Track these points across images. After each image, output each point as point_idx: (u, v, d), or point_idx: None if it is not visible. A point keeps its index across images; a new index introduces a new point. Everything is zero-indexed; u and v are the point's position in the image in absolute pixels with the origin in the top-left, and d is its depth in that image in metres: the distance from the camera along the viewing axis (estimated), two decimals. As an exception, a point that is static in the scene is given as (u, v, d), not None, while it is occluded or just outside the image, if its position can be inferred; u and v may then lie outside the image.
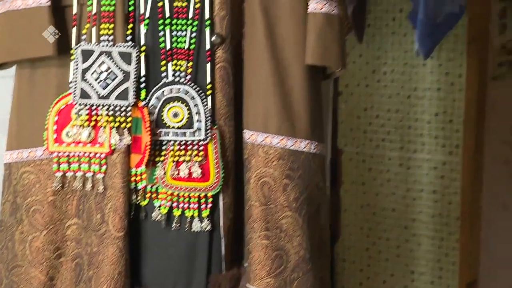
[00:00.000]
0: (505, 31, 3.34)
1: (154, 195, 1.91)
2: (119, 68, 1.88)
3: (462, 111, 3.25)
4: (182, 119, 1.89)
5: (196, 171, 1.89)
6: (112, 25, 1.89)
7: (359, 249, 3.54)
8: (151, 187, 1.90)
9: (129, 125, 1.88)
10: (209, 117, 1.88)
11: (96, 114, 1.88)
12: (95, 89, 1.88)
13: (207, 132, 1.88)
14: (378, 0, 3.36)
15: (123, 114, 1.87)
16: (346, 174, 3.54)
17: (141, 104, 1.88)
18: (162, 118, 1.89)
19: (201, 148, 1.89)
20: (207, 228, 1.90)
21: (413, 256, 3.41)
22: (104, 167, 1.89)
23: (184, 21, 1.89)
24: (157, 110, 1.88)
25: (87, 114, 1.89)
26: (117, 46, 1.88)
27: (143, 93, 1.89)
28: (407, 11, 3.14)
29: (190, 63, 1.88)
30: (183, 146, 1.89)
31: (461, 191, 3.28)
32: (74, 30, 1.89)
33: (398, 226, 3.43)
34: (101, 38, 1.89)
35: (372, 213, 3.49)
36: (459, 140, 3.27)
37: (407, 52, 3.31)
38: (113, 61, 1.88)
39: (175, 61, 1.88)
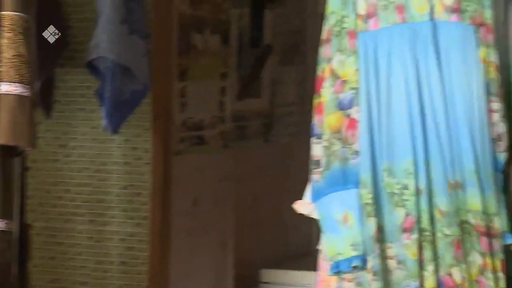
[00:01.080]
0: (185, 109, 3.55)
1: None
2: None
3: (149, 184, 3.38)
4: None
5: None
6: None
7: (49, 325, 3.52)
8: None
9: None
10: None
11: None
12: None
13: None
14: (66, 77, 3.42)
15: None
16: (34, 249, 3.51)
17: None
18: None
19: None
20: None
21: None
22: None
23: None
24: None
25: None
26: None
27: None
28: (94, 88, 3.22)
29: None
30: None
31: (149, 261, 3.39)
32: None
33: (89, 299, 3.47)
34: None
35: (62, 288, 3.50)
36: (147, 212, 3.39)
37: (95, 127, 3.39)
38: None
39: None
